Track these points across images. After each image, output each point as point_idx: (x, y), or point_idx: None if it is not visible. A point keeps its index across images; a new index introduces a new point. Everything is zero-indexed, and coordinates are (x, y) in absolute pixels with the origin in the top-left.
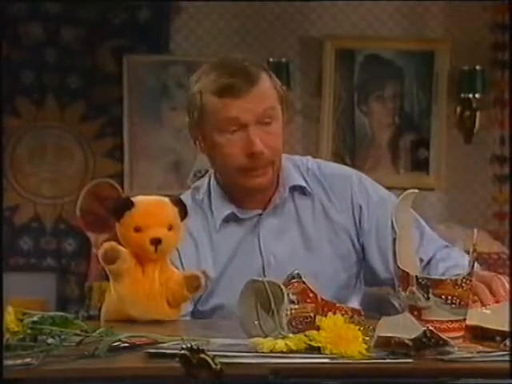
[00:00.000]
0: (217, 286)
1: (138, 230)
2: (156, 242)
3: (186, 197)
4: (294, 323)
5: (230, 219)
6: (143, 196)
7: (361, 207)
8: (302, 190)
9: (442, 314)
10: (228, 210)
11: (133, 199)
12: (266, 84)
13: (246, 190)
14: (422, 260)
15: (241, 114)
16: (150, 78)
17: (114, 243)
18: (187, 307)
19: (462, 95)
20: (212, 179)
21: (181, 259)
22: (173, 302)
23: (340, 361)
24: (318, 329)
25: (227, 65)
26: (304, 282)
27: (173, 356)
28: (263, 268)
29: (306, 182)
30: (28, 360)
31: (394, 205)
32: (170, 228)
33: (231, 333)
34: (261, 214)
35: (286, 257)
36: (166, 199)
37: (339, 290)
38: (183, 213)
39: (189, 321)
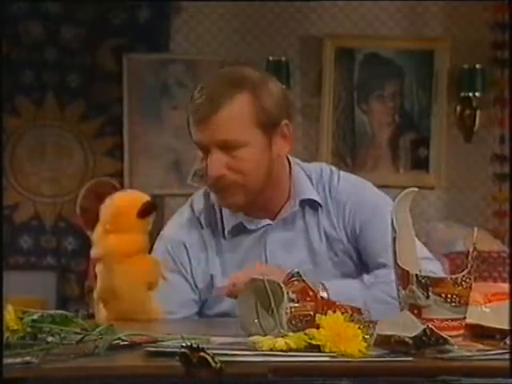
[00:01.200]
0: None
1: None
2: None
3: (198, 198)
4: (293, 322)
5: (239, 229)
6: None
7: (356, 223)
8: (312, 204)
9: (442, 312)
10: (237, 219)
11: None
12: (237, 108)
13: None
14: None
15: (202, 137)
16: (150, 77)
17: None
18: (192, 309)
19: (462, 94)
20: None
21: (190, 262)
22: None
23: (340, 359)
24: (317, 327)
25: (206, 86)
26: (304, 281)
27: (173, 354)
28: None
29: (317, 194)
30: (28, 358)
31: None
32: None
33: (231, 331)
34: (269, 225)
35: (291, 268)
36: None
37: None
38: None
39: (189, 320)
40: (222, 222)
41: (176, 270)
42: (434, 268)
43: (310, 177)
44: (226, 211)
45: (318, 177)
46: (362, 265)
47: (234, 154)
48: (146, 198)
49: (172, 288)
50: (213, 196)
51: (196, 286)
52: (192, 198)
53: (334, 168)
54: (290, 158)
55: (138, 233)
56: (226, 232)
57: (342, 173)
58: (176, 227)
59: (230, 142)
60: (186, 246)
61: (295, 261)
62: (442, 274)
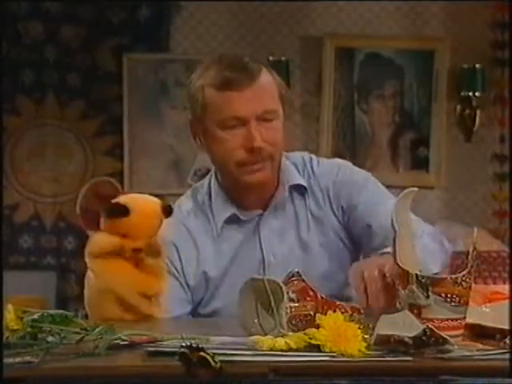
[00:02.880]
0: (218, 289)
1: (124, 236)
2: (137, 251)
3: (186, 198)
4: (293, 321)
5: (232, 221)
6: (140, 200)
7: (342, 203)
8: (300, 190)
9: (442, 312)
10: (229, 211)
11: (129, 205)
12: (267, 80)
13: (246, 187)
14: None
15: (242, 108)
16: (150, 76)
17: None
18: (184, 309)
19: (462, 93)
20: (213, 180)
21: (181, 261)
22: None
23: (340, 359)
24: (317, 327)
25: (228, 60)
26: (304, 280)
27: (172, 354)
28: (264, 269)
29: (303, 180)
30: (28, 358)
31: (375, 190)
32: (152, 236)
33: (231, 331)
34: (261, 215)
35: (285, 257)
36: (158, 206)
37: (338, 290)
38: (168, 215)
39: (188, 319)
40: (214, 218)
41: (167, 271)
42: (434, 247)
43: (295, 164)
44: (216, 206)
45: (301, 164)
46: (353, 246)
47: (267, 125)
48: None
49: None
50: (236, 173)
51: (188, 286)
52: (180, 199)
53: (313, 155)
54: None
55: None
56: (218, 226)
57: (321, 158)
58: (165, 228)
59: (268, 113)
60: (175, 246)
61: (288, 248)
62: (443, 251)
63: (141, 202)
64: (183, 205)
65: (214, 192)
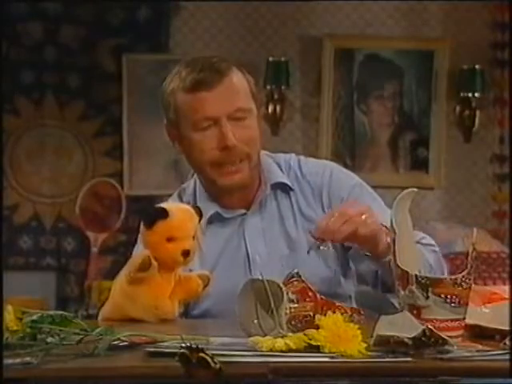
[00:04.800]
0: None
1: (170, 240)
2: (186, 253)
3: (173, 198)
4: (293, 322)
5: (215, 219)
6: (171, 204)
7: (332, 202)
8: (284, 188)
9: (442, 312)
10: (212, 210)
11: (166, 208)
12: (237, 78)
13: (224, 189)
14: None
15: (212, 108)
16: (150, 76)
17: (148, 252)
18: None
19: (462, 94)
20: (197, 180)
21: None
22: (184, 300)
23: (339, 360)
24: (317, 328)
25: (196, 62)
26: (303, 281)
27: (172, 355)
28: (249, 268)
29: (287, 179)
30: (27, 359)
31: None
32: (194, 237)
33: (230, 332)
34: (245, 214)
35: (271, 256)
36: (190, 208)
37: (326, 288)
38: (200, 219)
39: (188, 320)
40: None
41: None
42: (430, 256)
43: (278, 164)
44: (201, 203)
45: (287, 165)
46: (341, 246)
47: (240, 123)
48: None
49: None
50: (212, 176)
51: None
52: (168, 199)
53: (302, 156)
54: None
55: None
56: (203, 224)
57: (309, 158)
58: None
59: (240, 110)
60: None
61: (273, 246)
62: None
63: (173, 206)
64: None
65: (198, 192)
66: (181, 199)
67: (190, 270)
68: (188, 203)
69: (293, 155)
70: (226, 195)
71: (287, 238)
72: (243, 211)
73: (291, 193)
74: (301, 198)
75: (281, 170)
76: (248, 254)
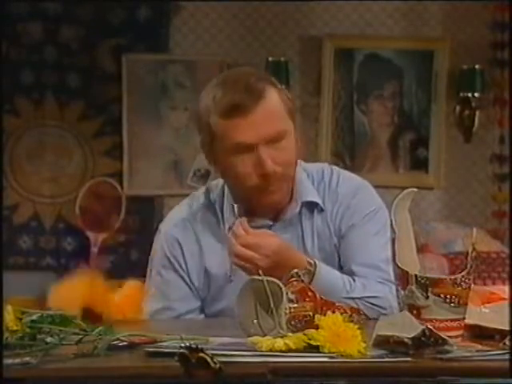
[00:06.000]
0: (223, 289)
1: None
2: None
3: (199, 195)
4: (293, 322)
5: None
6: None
7: (343, 224)
8: (312, 205)
9: (441, 312)
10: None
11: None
12: (273, 99)
13: (260, 205)
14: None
15: (248, 135)
16: (150, 77)
17: None
18: (193, 304)
19: (462, 94)
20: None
21: (184, 257)
22: None
23: (339, 360)
24: (316, 328)
25: (231, 81)
26: (303, 281)
27: (172, 355)
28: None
29: (318, 196)
30: (27, 359)
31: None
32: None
33: (230, 332)
34: (271, 226)
35: None
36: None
37: None
38: None
39: (188, 320)
40: (223, 219)
41: (171, 267)
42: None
43: (311, 178)
44: (227, 210)
45: (319, 178)
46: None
47: (278, 145)
48: None
49: (167, 285)
50: (251, 195)
51: (192, 283)
52: (193, 194)
53: (336, 168)
54: None
55: None
56: (226, 228)
57: (343, 173)
58: (171, 223)
59: (277, 134)
60: (179, 243)
61: None
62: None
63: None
64: (195, 201)
65: (226, 194)
66: (207, 197)
67: (206, 269)
68: (215, 203)
69: (326, 165)
70: (257, 208)
71: (305, 254)
72: (270, 223)
73: (315, 209)
74: (320, 213)
75: (313, 184)
76: None
